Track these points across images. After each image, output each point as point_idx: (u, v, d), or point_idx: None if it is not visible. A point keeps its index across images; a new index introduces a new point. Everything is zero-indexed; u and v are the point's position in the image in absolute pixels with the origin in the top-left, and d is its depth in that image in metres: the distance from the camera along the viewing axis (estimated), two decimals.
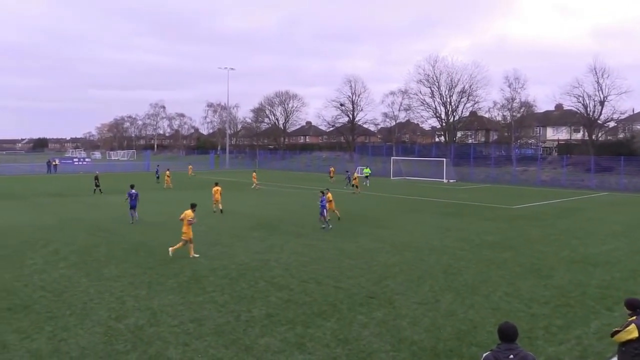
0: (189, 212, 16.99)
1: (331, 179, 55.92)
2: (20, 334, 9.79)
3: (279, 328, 10.23)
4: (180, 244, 16.78)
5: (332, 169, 60.53)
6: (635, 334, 6.51)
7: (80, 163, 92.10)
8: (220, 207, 27.93)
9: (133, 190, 24.62)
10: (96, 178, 39.95)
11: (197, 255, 16.72)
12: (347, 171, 53.95)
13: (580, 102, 63.60)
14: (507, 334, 5.50)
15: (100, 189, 39.02)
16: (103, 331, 9.98)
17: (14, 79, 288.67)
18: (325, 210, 22.67)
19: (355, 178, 44.33)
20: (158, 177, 51.02)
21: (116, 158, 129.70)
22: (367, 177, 51.81)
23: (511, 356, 5.32)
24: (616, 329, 6.84)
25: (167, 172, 47.21)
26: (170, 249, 16.80)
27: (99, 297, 12.20)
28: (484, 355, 5.52)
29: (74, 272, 14.66)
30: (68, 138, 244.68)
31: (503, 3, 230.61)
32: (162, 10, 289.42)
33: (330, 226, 22.54)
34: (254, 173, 47.29)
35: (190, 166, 64.83)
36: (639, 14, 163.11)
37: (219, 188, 28.50)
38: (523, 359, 5.32)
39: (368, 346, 9.36)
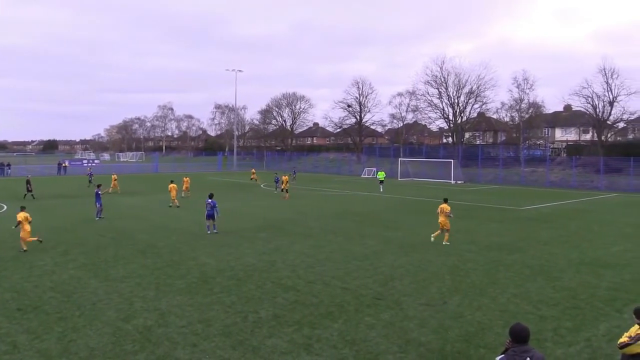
0: (446, 206, 19.76)
1: (253, 180, 53.14)
2: (30, 334, 9.87)
3: (286, 329, 10.24)
4: (439, 232, 19.69)
5: (253, 170, 56.76)
6: None
7: (90, 164, 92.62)
8: (177, 203, 31.07)
9: (99, 189, 26.70)
10: (28, 182, 36.71)
11: (448, 243, 19.22)
12: (275, 174, 48.52)
13: (589, 103, 63.36)
14: (521, 336, 5.36)
15: (32, 195, 35.71)
16: (111, 332, 10.04)
17: (27, 82, 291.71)
18: (215, 213, 21.50)
19: (286, 182, 38.31)
20: (90, 182, 47.64)
21: (125, 159, 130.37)
22: (381, 181, 46.18)
23: (527, 358, 5.22)
24: (624, 340, 6.45)
25: (114, 175, 43.13)
26: (433, 235, 19.82)
27: (107, 298, 12.28)
28: (498, 359, 5.41)
29: (83, 273, 14.76)
30: (77, 140, 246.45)
31: (505, 7, 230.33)
32: (175, 18, 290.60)
33: (215, 230, 21.48)
34: (186, 178, 38.95)
35: (114, 175, 43.24)
36: (635, 19, 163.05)
37: (174, 185, 31.54)
38: None
39: (375, 347, 9.35)
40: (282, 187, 38.18)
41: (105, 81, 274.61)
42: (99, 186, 27.33)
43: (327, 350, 9.20)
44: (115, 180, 41.39)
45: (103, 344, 9.44)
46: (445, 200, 20.44)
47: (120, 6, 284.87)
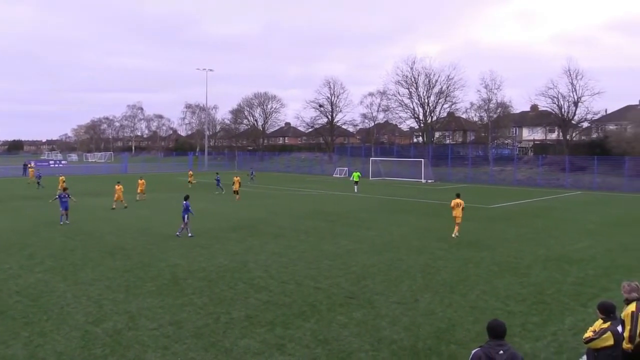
0: (460, 201, 21.14)
1: (190, 184, 46.93)
2: None
3: (258, 329, 10.22)
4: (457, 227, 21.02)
5: (190, 172, 50.89)
6: (611, 342, 6.41)
7: (57, 165, 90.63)
8: (125, 205, 30.76)
9: (63, 193, 25.42)
10: None
11: (458, 235, 20.76)
12: (216, 173, 47.66)
13: (555, 103, 65.12)
14: (497, 331, 5.59)
15: None
16: (80, 336, 9.85)
17: None
18: (186, 216, 20.83)
19: (237, 183, 36.38)
20: (39, 184, 46.24)
21: (93, 160, 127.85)
22: (356, 182, 44.95)
23: (501, 352, 5.42)
24: (589, 335, 6.61)
25: (62, 177, 40.96)
26: (454, 231, 20.99)
27: (75, 302, 12.04)
28: (474, 351, 5.57)
29: (50, 276, 14.44)
30: (44, 140, 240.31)
31: (470, 10, 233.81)
32: (144, 17, 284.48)
33: (186, 234, 20.72)
34: (141, 180, 36.38)
35: (62, 177, 41.51)
36: (594, 23, 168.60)
37: (121, 187, 31.20)
38: (512, 355, 5.43)
39: (348, 346, 9.41)
40: (234, 188, 36.23)
41: (73, 80, 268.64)
42: (65, 189, 26.37)
43: (299, 350, 9.22)
44: (64, 182, 39.04)
45: (71, 348, 9.26)
46: (458, 195, 21.77)
47: (87, 4, 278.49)
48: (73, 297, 12.44)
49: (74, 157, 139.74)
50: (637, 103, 73.34)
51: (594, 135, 69.04)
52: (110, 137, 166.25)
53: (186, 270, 15.08)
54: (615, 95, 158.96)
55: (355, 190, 43.39)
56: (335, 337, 9.86)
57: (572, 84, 62.62)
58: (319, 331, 10.15)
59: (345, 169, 70.77)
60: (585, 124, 69.25)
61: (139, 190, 35.59)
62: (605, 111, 73.04)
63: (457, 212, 21.07)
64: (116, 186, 31.15)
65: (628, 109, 72.16)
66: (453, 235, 20.81)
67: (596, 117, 67.29)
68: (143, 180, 36.62)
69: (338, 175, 69.62)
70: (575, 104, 63.61)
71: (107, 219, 25.81)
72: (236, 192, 36.09)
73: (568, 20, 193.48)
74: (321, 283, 13.79)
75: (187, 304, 11.85)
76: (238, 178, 37.31)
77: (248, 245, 18.92)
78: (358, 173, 47.38)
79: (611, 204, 36.20)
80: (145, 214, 27.96)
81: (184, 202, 21.31)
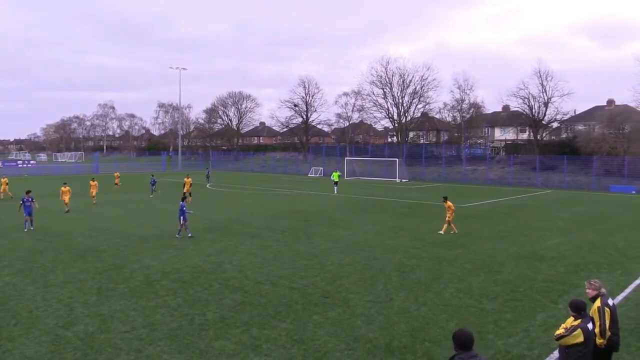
0: (450, 204, 22.25)
1: (117, 185, 45.83)
2: None
3: (233, 330, 10.15)
4: (446, 225, 22.10)
5: (117, 173, 48.71)
6: (580, 339, 6.53)
7: (25, 165, 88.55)
8: (67, 208, 28.73)
9: (26, 197, 23.21)
10: None
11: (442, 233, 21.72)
12: (152, 175, 43.41)
13: (526, 104, 66.22)
14: (465, 342, 5.41)
15: None
16: (50, 340, 9.64)
17: None
18: (182, 217, 20.56)
19: (189, 185, 34.86)
20: None
21: (63, 160, 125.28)
22: (335, 182, 43.23)
23: None
24: (560, 332, 6.72)
25: (4, 179, 38.13)
26: (453, 228, 22.05)
27: (45, 305, 11.77)
28: None
29: (18, 279, 14.09)
30: (12, 140, 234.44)
31: (443, 13, 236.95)
32: (115, 16, 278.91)
33: (189, 234, 20.70)
34: (93, 182, 34.07)
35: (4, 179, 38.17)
36: (563, 25, 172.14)
37: (69, 189, 29.53)
38: None
39: (323, 345, 9.41)
40: (185, 190, 34.21)
41: (42, 79, 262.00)
42: (28, 192, 23.92)
43: (275, 350, 9.18)
44: (6, 184, 37.49)
45: (41, 353, 9.05)
46: (445, 199, 22.90)
47: (56, 2, 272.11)
48: (43, 300, 12.17)
49: (43, 157, 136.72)
50: (605, 104, 75.06)
51: (564, 135, 70.43)
52: (80, 136, 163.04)
53: (160, 272, 14.88)
54: (584, 96, 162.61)
55: (334, 192, 41.79)
56: (311, 336, 9.85)
57: (542, 85, 63.89)
58: (294, 331, 10.13)
59: (321, 168, 70.88)
60: (555, 124, 70.71)
61: (92, 194, 33.39)
62: (574, 112, 74.69)
63: (451, 214, 22.40)
64: (62, 188, 29.38)
65: (596, 109, 73.81)
66: (441, 233, 21.86)
67: (565, 117, 68.75)
68: (95, 182, 34.13)
69: (313, 175, 69.68)
70: (546, 104, 64.89)
71: (78, 220, 25.32)
72: (188, 194, 33.59)
73: (539, 23, 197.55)
74: (296, 283, 13.77)
75: (160, 306, 11.70)
76: (189, 179, 35.39)
77: (223, 246, 18.78)
78: (338, 173, 45.32)
79: (580, 202, 37.03)
80: (118, 215, 27.51)
81: (180, 202, 21.12)
